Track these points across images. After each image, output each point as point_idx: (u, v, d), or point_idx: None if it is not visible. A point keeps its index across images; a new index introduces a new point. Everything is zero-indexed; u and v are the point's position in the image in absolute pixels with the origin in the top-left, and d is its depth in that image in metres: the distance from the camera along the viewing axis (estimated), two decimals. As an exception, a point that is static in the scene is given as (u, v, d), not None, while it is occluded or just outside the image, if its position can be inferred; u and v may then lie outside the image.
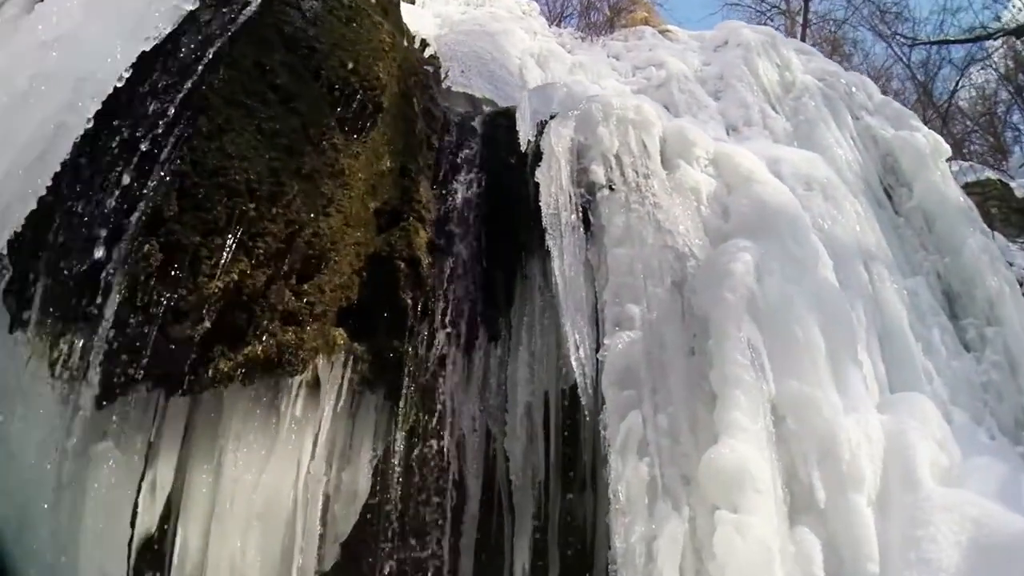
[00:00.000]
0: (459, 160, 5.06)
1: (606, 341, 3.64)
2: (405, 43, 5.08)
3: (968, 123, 16.80)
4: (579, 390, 3.59)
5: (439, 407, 4.03)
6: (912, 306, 5.65)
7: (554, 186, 4.17)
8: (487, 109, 6.78)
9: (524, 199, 4.52)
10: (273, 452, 4.26)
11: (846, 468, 3.35)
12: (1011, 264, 6.37)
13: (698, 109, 7.70)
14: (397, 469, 3.90)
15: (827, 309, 3.88)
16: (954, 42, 15.28)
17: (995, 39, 14.81)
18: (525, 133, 4.90)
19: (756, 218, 4.15)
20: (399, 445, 3.95)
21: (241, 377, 3.46)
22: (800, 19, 16.45)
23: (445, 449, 4.16)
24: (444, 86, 6.97)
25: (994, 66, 16.31)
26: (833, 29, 17.73)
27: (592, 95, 5.02)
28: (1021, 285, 5.96)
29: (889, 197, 6.86)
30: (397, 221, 4.16)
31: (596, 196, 4.30)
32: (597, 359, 3.68)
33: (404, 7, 5.35)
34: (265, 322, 3.39)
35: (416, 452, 4.04)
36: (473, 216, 4.59)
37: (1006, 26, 13.93)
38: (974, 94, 17.46)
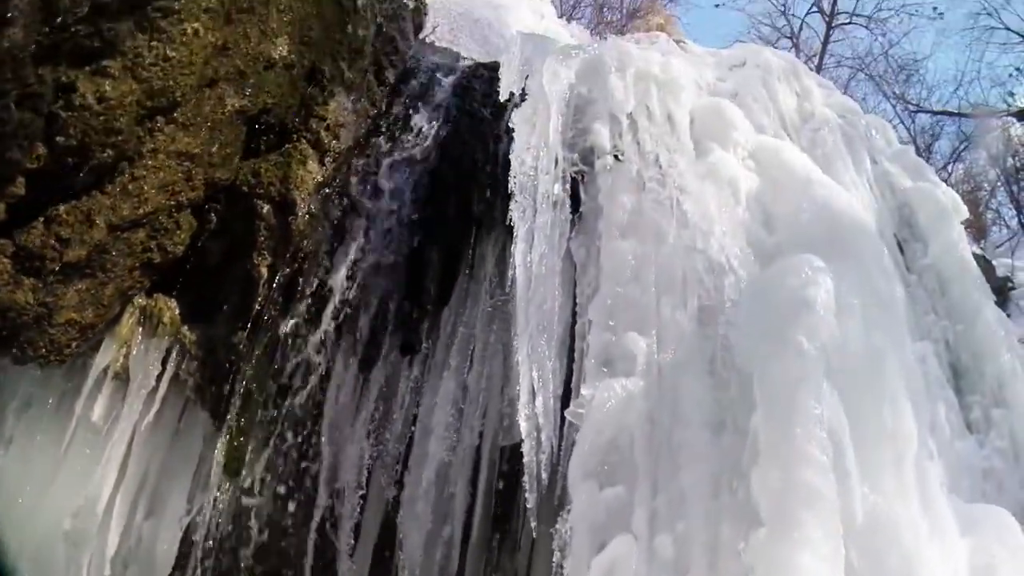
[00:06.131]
0: (420, 106, 3.69)
1: (585, 391, 2.15)
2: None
3: (953, 198, 16.35)
4: (525, 470, 2.07)
5: (296, 443, 2.49)
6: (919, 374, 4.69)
7: (536, 137, 2.78)
8: (470, 66, 5.46)
9: (491, 160, 3.13)
10: (61, 468, 2.78)
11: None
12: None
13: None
14: (209, 540, 2.39)
15: (910, 379, 2.54)
16: (956, 115, 14.92)
17: (998, 118, 14.42)
18: (509, 82, 3.52)
19: (822, 231, 2.81)
20: (225, 495, 2.44)
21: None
22: (815, 61, 15.64)
23: (313, 517, 2.66)
24: (428, 39, 5.72)
25: (985, 147, 15.89)
26: (846, 79, 17.14)
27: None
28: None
29: (901, 252, 6.05)
30: (281, 144, 2.66)
31: (595, 166, 2.90)
32: (563, 416, 2.18)
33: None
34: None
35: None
36: (417, 172, 3.15)
37: (1010, 107, 13.57)
38: (962, 170, 17.13)
